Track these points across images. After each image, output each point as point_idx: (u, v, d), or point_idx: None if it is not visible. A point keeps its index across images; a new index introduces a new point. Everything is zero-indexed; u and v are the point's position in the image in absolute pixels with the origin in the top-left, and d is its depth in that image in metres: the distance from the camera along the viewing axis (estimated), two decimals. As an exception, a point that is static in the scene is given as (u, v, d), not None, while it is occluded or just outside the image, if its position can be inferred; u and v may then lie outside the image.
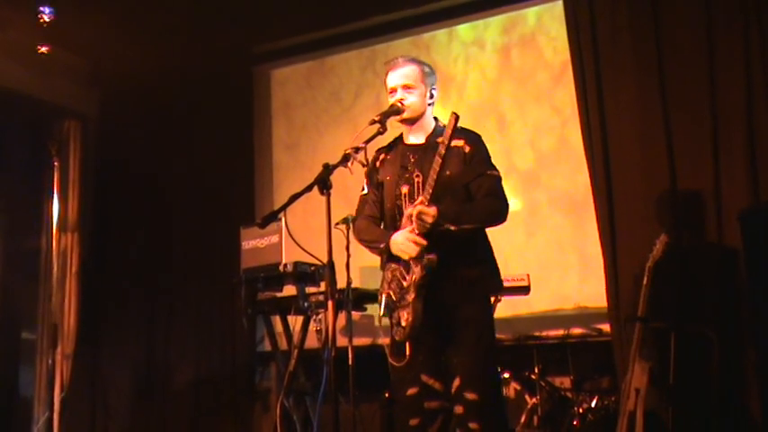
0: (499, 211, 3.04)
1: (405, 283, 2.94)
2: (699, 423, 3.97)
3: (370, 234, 3.17)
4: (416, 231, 2.88)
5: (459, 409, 2.92)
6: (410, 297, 2.90)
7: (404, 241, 2.91)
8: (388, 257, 3.05)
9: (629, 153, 4.51)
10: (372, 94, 5.60)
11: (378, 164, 3.19)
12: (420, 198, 2.90)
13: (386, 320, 3.06)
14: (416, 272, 2.89)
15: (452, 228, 2.88)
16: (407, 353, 2.95)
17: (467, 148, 3.03)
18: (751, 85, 4.20)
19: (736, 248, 4.01)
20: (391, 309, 2.99)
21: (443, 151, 2.84)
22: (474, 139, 3.09)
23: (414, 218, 2.87)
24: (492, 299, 3.27)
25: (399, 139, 3.20)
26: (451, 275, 2.94)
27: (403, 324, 2.92)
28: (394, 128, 3.19)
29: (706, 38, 4.35)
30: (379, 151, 3.22)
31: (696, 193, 4.28)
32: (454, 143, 2.95)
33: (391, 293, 3.00)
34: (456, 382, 2.93)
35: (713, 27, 4.34)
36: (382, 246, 3.03)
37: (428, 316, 2.93)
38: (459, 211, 2.94)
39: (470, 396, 2.89)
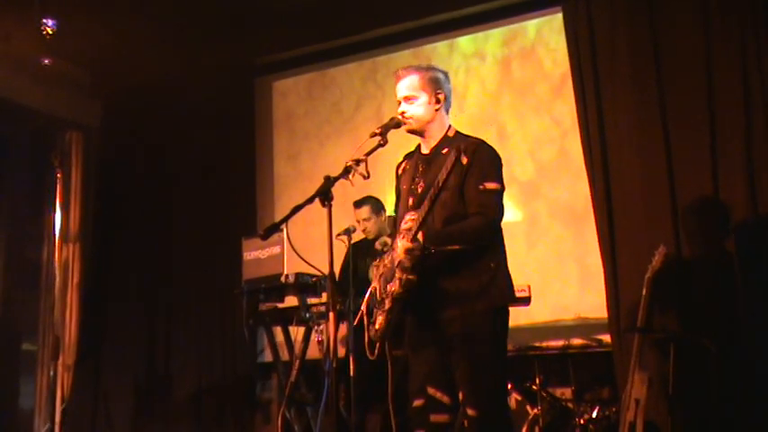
0: (480, 231, 2.92)
1: (388, 287, 2.96)
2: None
3: None
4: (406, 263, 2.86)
5: (465, 423, 2.92)
6: (386, 305, 2.94)
7: (401, 250, 2.87)
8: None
9: (629, 164, 4.53)
10: (373, 106, 5.62)
11: (400, 171, 3.21)
12: (409, 216, 2.90)
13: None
14: (397, 284, 2.89)
15: (432, 250, 2.84)
16: (376, 349, 2.99)
17: (464, 160, 2.95)
18: (749, 97, 4.22)
19: (734, 259, 4.03)
20: (372, 305, 3.05)
21: (449, 166, 2.78)
22: (473, 149, 2.96)
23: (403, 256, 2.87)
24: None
25: (418, 146, 3.17)
26: (448, 289, 2.89)
27: (376, 327, 2.99)
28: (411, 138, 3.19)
29: (704, 50, 4.38)
30: (404, 158, 3.22)
31: (695, 204, 4.29)
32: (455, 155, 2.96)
33: (376, 290, 3.05)
34: (461, 397, 2.91)
35: (711, 40, 4.37)
36: None
37: (427, 329, 2.92)
38: (443, 235, 2.88)
39: (471, 412, 2.85)
